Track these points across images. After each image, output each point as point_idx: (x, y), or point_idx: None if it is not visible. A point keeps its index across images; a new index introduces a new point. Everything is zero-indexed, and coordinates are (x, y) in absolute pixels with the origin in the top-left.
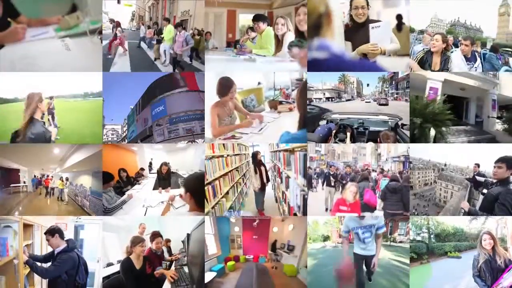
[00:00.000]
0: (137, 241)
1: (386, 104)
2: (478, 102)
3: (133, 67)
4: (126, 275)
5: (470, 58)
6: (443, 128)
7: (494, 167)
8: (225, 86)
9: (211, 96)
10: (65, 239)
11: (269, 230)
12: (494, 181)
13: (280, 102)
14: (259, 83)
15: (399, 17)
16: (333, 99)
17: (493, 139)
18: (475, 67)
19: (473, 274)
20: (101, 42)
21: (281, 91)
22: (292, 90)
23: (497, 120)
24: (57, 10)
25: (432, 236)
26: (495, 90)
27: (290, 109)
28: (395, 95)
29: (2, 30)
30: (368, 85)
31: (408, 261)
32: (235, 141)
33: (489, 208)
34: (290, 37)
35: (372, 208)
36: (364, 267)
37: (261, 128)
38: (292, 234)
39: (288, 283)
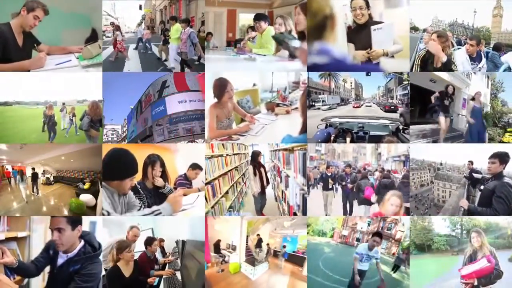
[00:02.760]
0: (123, 246)
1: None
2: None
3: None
4: (114, 285)
5: (475, 58)
6: None
7: (488, 162)
8: (220, 86)
9: (211, 96)
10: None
11: (207, 228)
12: (489, 176)
13: (277, 105)
14: (254, 85)
15: None
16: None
17: (461, 136)
18: (480, 67)
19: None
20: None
21: (278, 93)
22: (289, 93)
23: (466, 118)
24: (77, 37)
25: (464, 232)
26: (466, 90)
27: (287, 112)
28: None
29: (26, 58)
30: (369, 74)
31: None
32: (233, 141)
33: (487, 202)
34: None
35: (369, 202)
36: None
37: (258, 131)
38: (234, 234)
39: (232, 280)
